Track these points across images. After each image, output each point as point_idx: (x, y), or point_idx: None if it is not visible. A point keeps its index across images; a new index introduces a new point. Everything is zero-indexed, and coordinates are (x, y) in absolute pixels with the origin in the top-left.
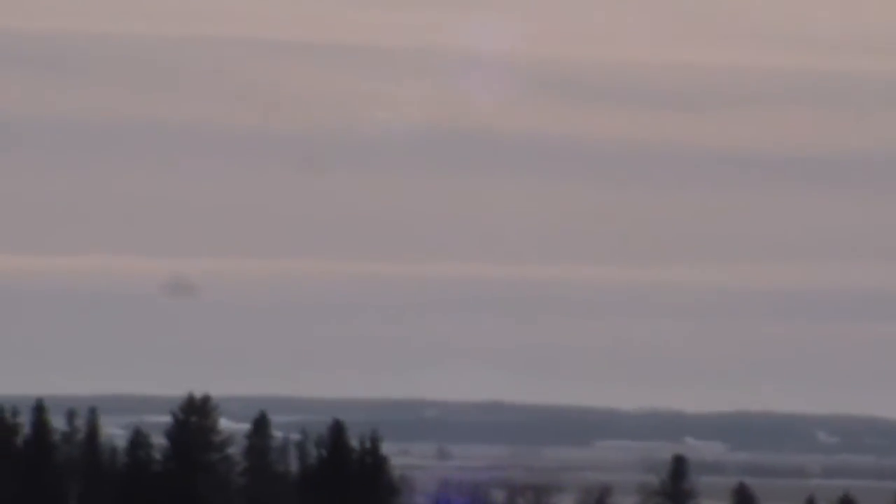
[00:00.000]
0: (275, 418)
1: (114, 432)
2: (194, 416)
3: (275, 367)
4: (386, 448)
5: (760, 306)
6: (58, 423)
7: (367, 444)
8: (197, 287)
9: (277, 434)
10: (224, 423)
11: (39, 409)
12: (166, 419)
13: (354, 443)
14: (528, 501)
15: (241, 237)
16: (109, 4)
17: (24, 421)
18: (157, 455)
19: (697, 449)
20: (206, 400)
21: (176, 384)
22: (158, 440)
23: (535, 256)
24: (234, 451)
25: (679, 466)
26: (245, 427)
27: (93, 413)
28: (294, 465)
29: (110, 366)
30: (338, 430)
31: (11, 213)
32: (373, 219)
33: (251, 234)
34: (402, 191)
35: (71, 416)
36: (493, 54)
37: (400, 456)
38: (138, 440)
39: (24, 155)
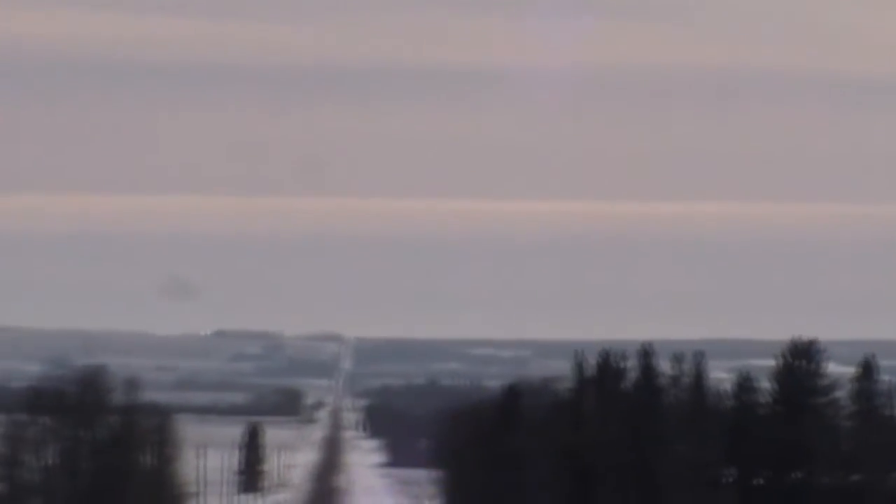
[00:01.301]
0: (882, 362)
1: (720, 375)
2: (800, 359)
3: (882, 311)
4: None
5: None
6: (665, 366)
7: None
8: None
9: (884, 378)
10: (831, 367)
11: (647, 353)
12: (772, 363)
13: None
14: None
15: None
16: None
17: (633, 365)
18: (763, 398)
19: None
20: (812, 343)
21: (781, 328)
22: (764, 384)
23: None
24: (841, 394)
25: None
26: (852, 371)
27: (700, 356)
28: None
29: (717, 311)
30: None
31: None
32: None
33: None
34: None
35: (677, 359)
36: None
37: None
38: (744, 384)
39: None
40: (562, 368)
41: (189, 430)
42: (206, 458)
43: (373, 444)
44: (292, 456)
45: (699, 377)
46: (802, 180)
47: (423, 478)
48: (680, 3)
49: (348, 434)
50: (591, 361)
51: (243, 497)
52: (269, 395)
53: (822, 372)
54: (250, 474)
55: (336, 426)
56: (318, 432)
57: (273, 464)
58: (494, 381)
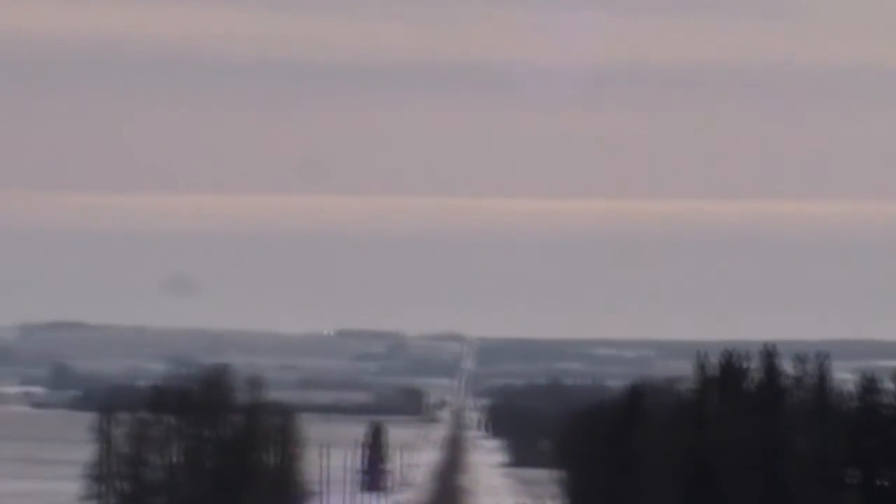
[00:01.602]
0: None
1: (843, 376)
2: None
3: None
4: None
5: None
6: (788, 367)
7: None
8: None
9: None
10: None
11: (770, 353)
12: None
13: None
14: None
15: None
16: None
17: (756, 365)
18: (887, 399)
19: None
20: None
21: None
22: (888, 385)
23: None
24: None
25: None
26: None
27: (823, 357)
28: None
29: (842, 312)
30: None
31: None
32: None
33: None
34: None
35: (801, 360)
36: None
37: None
38: (868, 384)
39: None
40: (684, 369)
41: (312, 430)
42: (329, 457)
43: (494, 443)
44: (415, 455)
45: (823, 378)
46: None
47: (545, 478)
48: None
49: (470, 434)
50: (714, 362)
51: (366, 496)
52: (391, 395)
53: None
54: (373, 473)
55: (458, 426)
56: (440, 432)
57: (396, 463)
58: (617, 382)
